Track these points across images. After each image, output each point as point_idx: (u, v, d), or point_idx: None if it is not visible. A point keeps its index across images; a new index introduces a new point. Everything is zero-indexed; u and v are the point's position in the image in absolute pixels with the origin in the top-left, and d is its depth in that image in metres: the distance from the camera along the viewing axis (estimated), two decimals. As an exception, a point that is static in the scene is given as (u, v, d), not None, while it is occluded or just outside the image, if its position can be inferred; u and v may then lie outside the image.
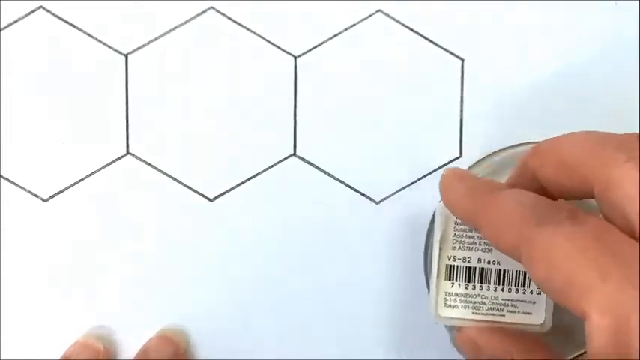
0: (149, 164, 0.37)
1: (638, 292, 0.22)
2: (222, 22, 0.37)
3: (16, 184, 0.37)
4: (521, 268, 0.31)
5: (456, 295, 0.32)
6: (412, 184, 0.37)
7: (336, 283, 0.37)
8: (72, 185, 0.37)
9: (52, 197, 0.37)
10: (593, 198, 0.26)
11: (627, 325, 0.22)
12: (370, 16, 0.37)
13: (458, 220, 0.32)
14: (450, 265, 0.32)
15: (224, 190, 0.37)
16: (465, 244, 0.32)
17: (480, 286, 0.32)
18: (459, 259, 0.32)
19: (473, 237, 0.32)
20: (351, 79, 0.37)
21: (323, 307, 0.37)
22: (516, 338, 0.31)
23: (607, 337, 0.22)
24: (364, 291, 0.37)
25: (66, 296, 0.37)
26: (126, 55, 0.37)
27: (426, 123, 0.37)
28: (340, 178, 0.37)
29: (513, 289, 0.32)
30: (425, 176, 0.37)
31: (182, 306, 0.37)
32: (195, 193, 0.37)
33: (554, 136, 0.27)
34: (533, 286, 0.32)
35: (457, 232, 0.32)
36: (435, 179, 0.37)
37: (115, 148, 0.37)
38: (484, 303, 0.32)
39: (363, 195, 0.37)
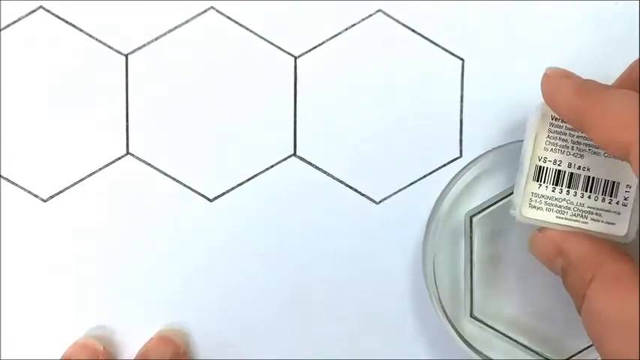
0: (149, 164, 0.37)
1: None
2: (222, 22, 0.37)
3: (16, 184, 0.37)
4: (610, 177, 0.31)
5: (542, 197, 0.32)
6: (412, 184, 0.37)
7: (335, 282, 0.37)
8: (72, 185, 0.37)
9: (52, 197, 0.37)
10: None
11: None
12: (370, 16, 0.37)
13: (553, 121, 0.31)
14: (540, 167, 0.32)
15: (224, 190, 0.37)
16: (558, 147, 0.32)
17: (567, 191, 0.32)
18: (550, 161, 0.32)
19: (566, 141, 0.31)
20: (351, 79, 0.37)
21: (323, 306, 0.37)
22: (603, 246, 0.30)
23: None
24: (364, 291, 0.37)
25: (66, 296, 0.37)
26: (126, 55, 0.37)
27: (426, 123, 0.37)
28: (340, 178, 0.37)
29: (600, 197, 0.31)
30: (425, 176, 0.37)
31: (182, 306, 0.37)
32: (195, 193, 0.37)
33: None
34: (619, 197, 0.31)
35: (551, 134, 0.31)
36: (435, 179, 0.37)
37: (115, 148, 0.37)
38: (569, 208, 0.32)
39: (363, 195, 0.37)
